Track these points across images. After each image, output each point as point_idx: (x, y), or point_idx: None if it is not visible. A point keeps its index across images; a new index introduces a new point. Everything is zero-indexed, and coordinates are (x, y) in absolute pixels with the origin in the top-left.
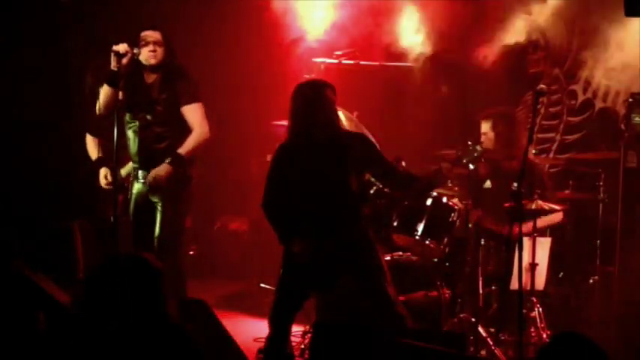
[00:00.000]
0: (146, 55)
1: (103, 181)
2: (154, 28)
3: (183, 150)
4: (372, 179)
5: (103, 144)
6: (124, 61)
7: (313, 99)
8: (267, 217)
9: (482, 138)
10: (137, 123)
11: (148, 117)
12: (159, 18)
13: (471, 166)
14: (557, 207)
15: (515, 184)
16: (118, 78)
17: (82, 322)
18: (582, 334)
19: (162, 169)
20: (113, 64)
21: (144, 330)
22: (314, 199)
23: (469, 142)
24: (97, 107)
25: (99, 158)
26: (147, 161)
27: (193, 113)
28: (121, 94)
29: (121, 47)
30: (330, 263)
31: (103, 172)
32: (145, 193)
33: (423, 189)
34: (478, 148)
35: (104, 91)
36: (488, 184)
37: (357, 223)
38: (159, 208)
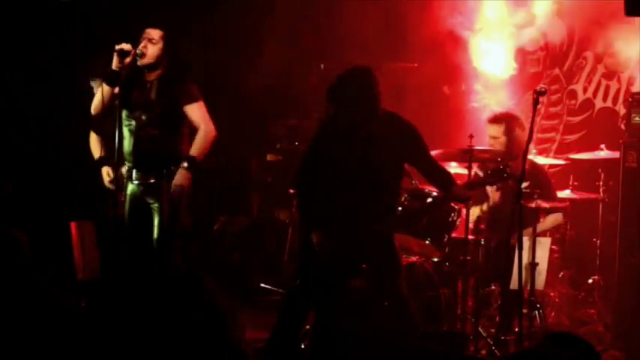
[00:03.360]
0: (138, 52)
1: (106, 179)
2: (154, 26)
3: (195, 151)
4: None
5: (106, 142)
6: (127, 60)
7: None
8: (295, 191)
9: (492, 141)
10: (134, 122)
11: (144, 117)
12: (159, 17)
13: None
14: (558, 205)
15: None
16: (117, 78)
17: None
18: (575, 334)
19: (183, 178)
20: (114, 64)
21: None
22: (346, 185)
23: (501, 165)
24: (93, 105)
25: (101, 157)
26: (141, 161)
27: (196, 112)
28: (117, 90)
29: (125, 46)
30: (348, 256)
31: (105, 170)
32: (139, 194)
33: (459, 196)
34: (508, 170)
35: (102, 90)
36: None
37: (385, 218)
38: (156, 209)
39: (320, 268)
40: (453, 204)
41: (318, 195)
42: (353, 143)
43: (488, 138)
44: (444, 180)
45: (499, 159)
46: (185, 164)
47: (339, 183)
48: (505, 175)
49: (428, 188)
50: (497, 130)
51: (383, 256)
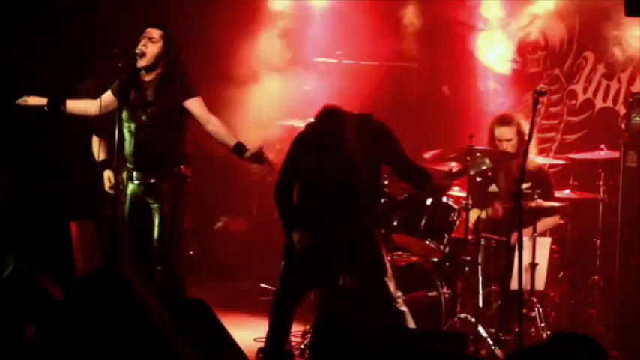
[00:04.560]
0: (138, 52)
1: (107, 184)
2: (154, 26)
3: (236, 138)
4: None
5: (108, 145)
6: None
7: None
8: (275, 200)
9: (504, 144)
10: (133, 124)
11: (144, 118)
12: (161, 17)
13: (478, 179)
14: (556, 204)
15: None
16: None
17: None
18: (582, 333)
19: (260, 150)
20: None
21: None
22: (324, 189)
23: (477, 154)
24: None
25: (104, 161)
26: (141, 162)
27: (198, 106)
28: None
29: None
30: (330, 257)
31: (107, 174)
32: (139, 195)
33: (438, 188)
34: (487, 161)
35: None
36: (494, 187)
37: (364, 218)
38: (156, 209)
39: (304, 268)
40: (452, 204)
41: (298, 198)
42: (329, 147)
43: (497, 141)
44: (420, 178)
45: (477, 154)
46: (247, 148)
47: (317, 186)
48: (483, 166)
49: None
50: (509, 131)
51: (366, 254)
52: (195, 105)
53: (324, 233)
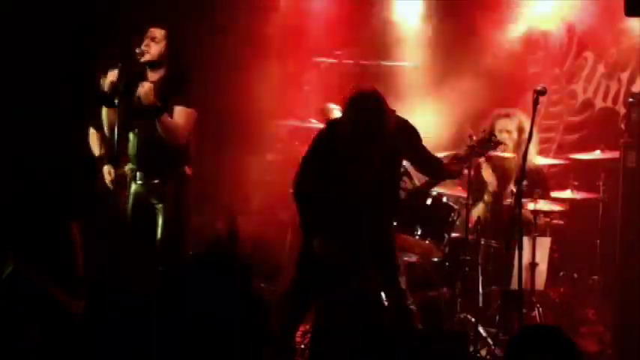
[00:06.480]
0: (139, 52)
1: (107, 178)
2: (157, 25)
3: (162, 106)
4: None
5: (107, 139)
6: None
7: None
8: (295, 201)
9: (505, 135)
10: (136, 123)
11: (147, 117)
12: (162, 16)
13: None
14: (556, 207)
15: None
16: (109, 99)
17: (88, 324)
18: (550, 327)
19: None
20: (106, 85)
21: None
22: (348, 192)
23: (482, 130)
24: (105, 129)
25: (102, 155)
26: (145, 163)
27: (181, 116)
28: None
29: (111, 76)
30: (349, 258)
31: (107, 169)
32: (143, 195)
33: (449, 176)
34: (494, 139)
35: (104, 112)
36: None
37: (386, 223)
38: (160, 209)
39: (321, 270)
40: (452, 204)
41: (319, 198)
42: (356, 149)
43: (499, 131)
44: (437, 168)
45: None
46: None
47: (340, 186)
48: (492, 143)
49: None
50: (510, 123)
51: (384, 254)
52: (179, 114)
53: (344, 235)
